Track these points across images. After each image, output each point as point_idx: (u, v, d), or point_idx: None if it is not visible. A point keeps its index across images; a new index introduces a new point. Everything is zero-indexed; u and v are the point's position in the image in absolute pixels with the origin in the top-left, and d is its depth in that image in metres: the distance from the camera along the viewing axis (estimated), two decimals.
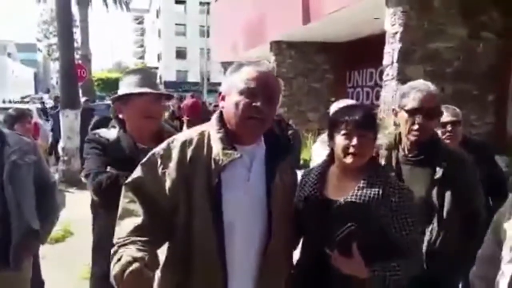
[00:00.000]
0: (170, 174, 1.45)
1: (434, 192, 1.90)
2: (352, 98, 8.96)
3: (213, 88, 31.18)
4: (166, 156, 1.47)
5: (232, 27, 11.84)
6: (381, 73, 5.84)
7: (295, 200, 1.66)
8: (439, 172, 1.90)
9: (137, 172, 1.50)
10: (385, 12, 5.41)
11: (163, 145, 1.51)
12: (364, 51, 8.08)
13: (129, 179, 1.51)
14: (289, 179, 1.61)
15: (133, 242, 1.35)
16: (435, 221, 1.90)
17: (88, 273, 2.16)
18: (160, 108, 2.06)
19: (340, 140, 1.59)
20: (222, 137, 1.45)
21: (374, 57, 6.22)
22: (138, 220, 1.42)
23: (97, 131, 2.07)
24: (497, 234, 1.55)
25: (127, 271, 1.23)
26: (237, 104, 1.42)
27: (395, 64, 5.30)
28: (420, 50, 5.30)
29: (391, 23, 5.35)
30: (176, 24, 46.23)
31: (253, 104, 1.41)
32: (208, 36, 29.96)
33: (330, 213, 1.59)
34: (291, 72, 9.56)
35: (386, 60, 5.54)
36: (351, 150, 1.56)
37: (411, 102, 1.95)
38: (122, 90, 2.04)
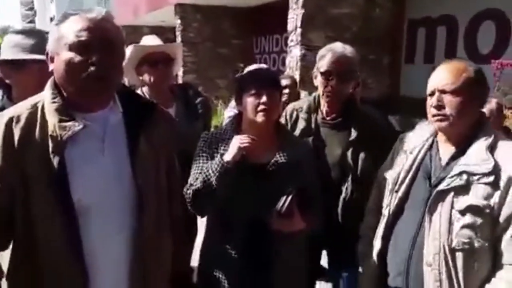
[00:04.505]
0: None
1: (349, 153, 1.98)
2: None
3: None
4: None
5: None
6: (287, 39, 5.92)
7: (206, 165, 1.64)
8: (353, 134, 1.97)
9: None
10: None
11: None
12: (270, 17, 8.12)
13: None
14: (160, 138, 1.39)
15: None
16: (349, 180, 1.98)
17: None
18: None
19: (250, 100, 1.63)
20: (58, 107, 1.20)
21: (279, 23, 6.28)
22: None
23: None
24: (380, 186, 1.69)
25: None
26: (68, 63, 1.17)
27: (298, 30, 5.40)
28: (322, 15, 5.44)
29: None
30: None
31: (89, 60, 1.17)
32: None
33: (263, 177, 1.63)
34: (198, 37, 9.31)
35: (290, 26, 5.62)
36: (262, 107, 1.61)
37: (325, 64, 1.97)
38: (14, 53, 1.81)
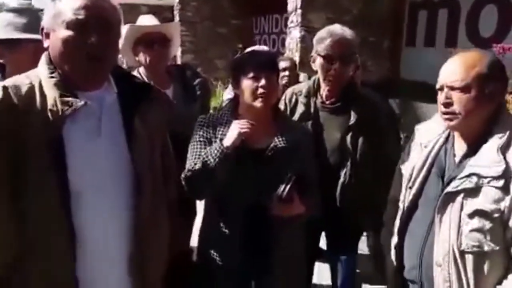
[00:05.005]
0: None
1: (348, 137, 1.97)
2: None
3: None
4: None
5: None
6: (286, 20, 5.85)
7: (204, 150, 1.62)
8: (353, 118, 1.96)
9: None
10: None
11: None
12: None
13: None
14: (155, 120, 1.38)
15: None
16: (348, 164, 1.98)
17: None
18: None
19: (248, 83, 1.59)
20: (56, 82, 1.17)
21: (279, 3, 6.18)
22: None
23: None
24: (399, 177, 1.64)
25: None
26: (65, 42, 1.15)
27: (299, 11, 5.32)
28: None
29: None
30: None
31: (86, 40, 1.15)
32: None
33: (262, 162, 1.61)
34: (196, 17, 9.17)
35: (290, 7, 5.53)
36: (260, 91, 1.57)
37: (326, 48, 1.93)
38: (7, 32, 1.78)
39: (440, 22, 5.40)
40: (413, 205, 1.50)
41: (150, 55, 2.16)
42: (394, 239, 1.57)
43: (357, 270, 2.43)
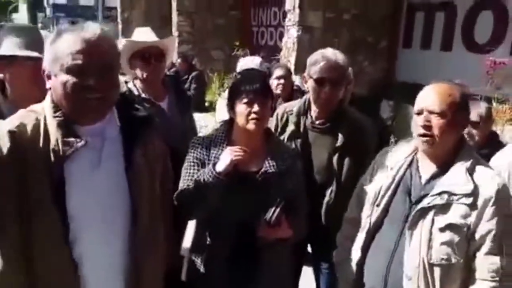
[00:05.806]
0: None
1: (335, 158, 2.04)
2: (256, 39, 8.94)
3: (110, 14, 28.75)
4: None
5: None
6: (285, 13, 5.84)
7: (197, 173, 1.68)
8: (340, 140, 2.02)
9: None
10: None
11: None
12: None
13: None
14: (155, 151, 1.45)
15: None
16: (334, 184, 2.05)
17: None
18: None
19: (242, 108, 1.67)
20: (59, 122, 1.23)
21: None
22: None
23: None
24: (359, 198, 1.74)
25: None
26: (65, 86, 1.19)
27: (297, 10, 5.33)
28: None
29: None
30: None
31: (86, 84, 1.19)
32: None
33: (252, 185, 1.68)
34: (193, 6, 9.11)
35: (288, 5, 5.53)
36: (253, 116, 1.65)
37: (318, 71, 1.99)
38: (5, 48, 1.81)
39: (436, 25, 5.43)
40: (379, 222, 1.63)
41: (147, 70, 2.18)
42: (356, 255, 1.67)
43: None
